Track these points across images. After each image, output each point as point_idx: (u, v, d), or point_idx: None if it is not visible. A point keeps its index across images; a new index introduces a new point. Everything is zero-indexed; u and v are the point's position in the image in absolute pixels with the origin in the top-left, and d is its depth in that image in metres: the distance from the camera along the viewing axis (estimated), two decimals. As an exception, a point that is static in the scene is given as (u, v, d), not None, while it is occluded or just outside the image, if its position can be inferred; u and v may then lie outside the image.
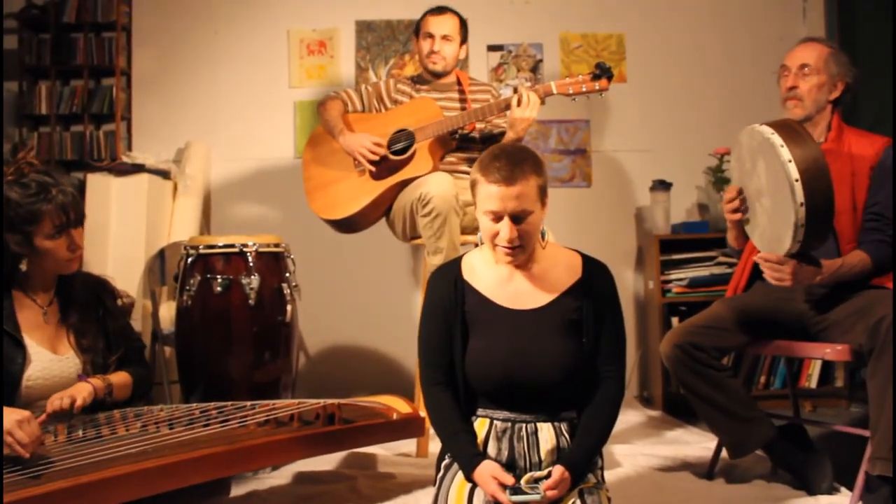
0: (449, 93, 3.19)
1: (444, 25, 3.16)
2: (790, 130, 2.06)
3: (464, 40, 3.24)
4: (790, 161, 1.99)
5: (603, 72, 2.89)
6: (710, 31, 4.20)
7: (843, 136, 2.41)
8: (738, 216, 2.35)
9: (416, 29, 3.26)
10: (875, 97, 4.20)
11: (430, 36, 3.16)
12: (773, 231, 2.13)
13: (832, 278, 2.23)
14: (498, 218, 1.82)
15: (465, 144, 3.13)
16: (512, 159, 1.81)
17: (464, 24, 3.23)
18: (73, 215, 2.08)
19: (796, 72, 2.42)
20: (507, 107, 2.91)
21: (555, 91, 2.93)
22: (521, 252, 1.86)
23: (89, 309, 2.20)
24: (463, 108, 3.13)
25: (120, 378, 2.18)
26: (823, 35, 4.06)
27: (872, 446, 2.13)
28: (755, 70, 4.02)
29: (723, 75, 4.17)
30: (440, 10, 3.20)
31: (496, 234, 1.83)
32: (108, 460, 1.78)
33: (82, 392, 2.04)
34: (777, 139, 2.03)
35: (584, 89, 2.91)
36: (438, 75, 3.19)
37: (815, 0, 4.21)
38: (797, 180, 1.98)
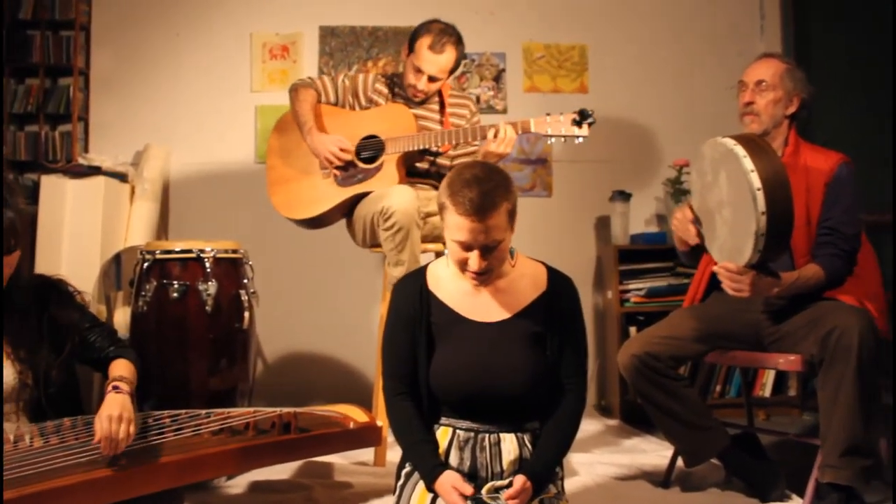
0: (428, 102, 3.09)
1: (438, 67, 2.93)
2: (752, 143, 2.10)
3: (454, 71, 3.05)
4: (753, 171, 2.02)
5: (584, 118, 2.76)
6: (671, 45, 4.26)
7: (800, 151, 2.45)
8: (696, 241, 2.39)
9: (412, 44, 2.96)
10: (830, 113, 4.29)
11: (420, 72, 2.94)
12: (733, 242, 2.16)
13: (789, 290, 2.26)
14: (467, 248, 1.81)
15: (434, 163, 3.07)
16: (482, 187, 1.77)
17: (460, 57, 3.01)
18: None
19: (753, 87, 2.46)
20: (484, 135, 2.84)
21: (533, 129, 2.80)
22: (488, 277, 1.87)
23: (29, 315, 2.10)
24: (440, 121, 3.07)
25: (129, 369, 2.11)
26: (780, 51, 4.13)
27: (822, 455, 2.18)
28: (714, 84, 4.08)
29: (683, 89, 4.23)
30: (441, 46, 2.90)
31: (465, 261, 1.83)
32: (55, 470, 1.74)
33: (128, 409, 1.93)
34: (740, 150, 2.06)
35: (562, 132, 2.81)
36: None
37: (772, 17, 4.29)
38: (759, 189, 2.01)
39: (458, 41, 2.96)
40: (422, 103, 3.06)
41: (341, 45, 4.12)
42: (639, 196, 4.05)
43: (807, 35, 4.33)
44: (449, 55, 2.92)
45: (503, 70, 4.17)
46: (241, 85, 4.12)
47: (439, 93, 3.09)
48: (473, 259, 1.81)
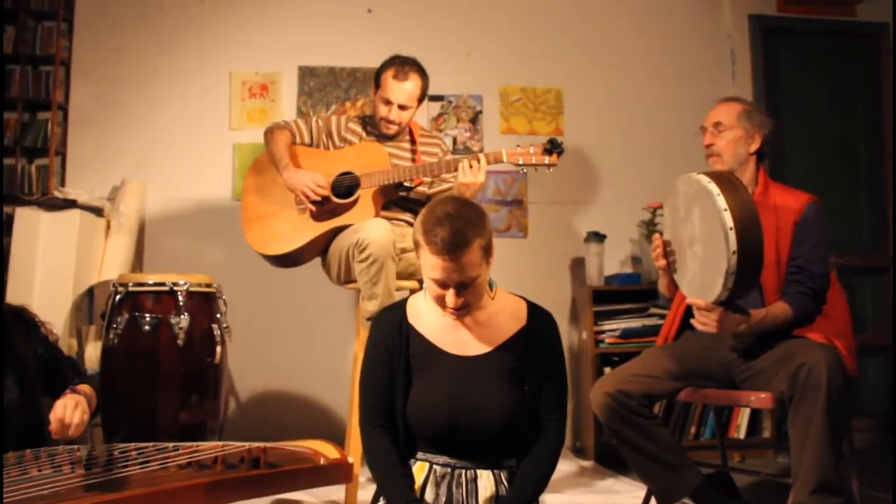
0: (399, 141, 3.14)
1: (404, 94, 3.02)
2: (726, 181, 2.14)
3: (422, 99, 3.14)
4: (726, 210, 2.05)
5: (554, 147, 2.87)
6: (645, 90, 4.34)
7: (769, 190, 2.50)
8: (664, 262, 2.42)
9: (377, 80, 3.07)
10: (800, 157, 4.39)
11: (389, 102, 3.02)
12: (703, 278, 2.19)
13: (757, 327, 2.29)
14: (443, 285, 1.82)
15: (408, 199, 3.10)
16: (454, 225, 1.77)
17: (426, 85, 3.11)
18: None
19: (712, 130, 2.55)
20: (456, 167, 2.90)
21: (505, 160, 2.91)
22: (467, 312, 1.88)
23: None
24: (412, 158, 3.12)
25: (90, 390, 2.13)
26: (751, 95, 4.24)
27: (794, 493, 2.17)
28: (687, 128, 4.12)
29: (656, 132, 4.30)
30: (404, 74, 3.01)
31: (442, 297, 1.84)
32: (16, 503, 1.70)
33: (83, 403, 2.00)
34: (714, 188, 2.10)
35: (533, 161, 2.90)
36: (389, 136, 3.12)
37: (743, 63, 4.40)
38: (731, 228, 2.03)
39: (421, 70, 3.08)
40: (393, 138, 3.12)
41: (320, 85, 4.16)
42: (613, 237, 4.08)
43: (777, 80, 4.45)
44: (414, 82, 3.03)
45: (480, 112, 4.22)
46: (220, 122, 4.13)
47: (410, 132, 3.15)
48: (450, 296, 1.81)
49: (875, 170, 4.52)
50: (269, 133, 3.11)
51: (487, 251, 1.86)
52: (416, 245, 1.85)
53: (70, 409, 1.95)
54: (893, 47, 4.54)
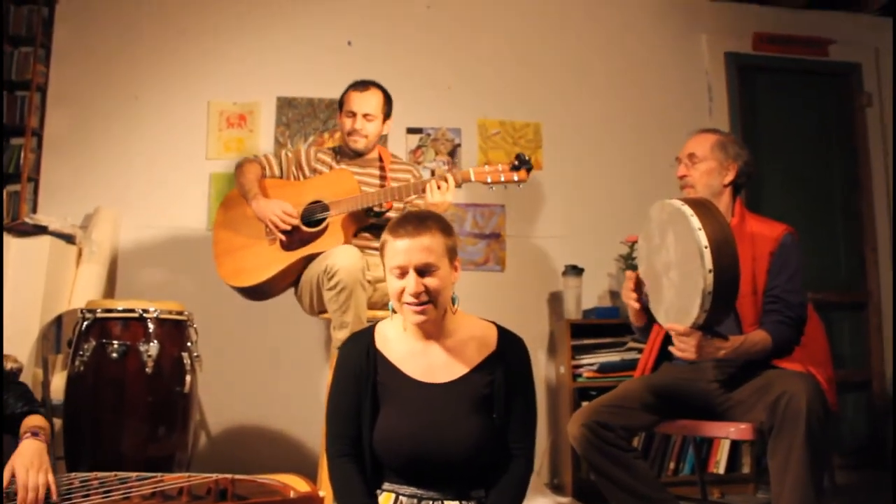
0: (369, 168, 3.17)
1: (366, 103, 3.12)
2: (700, 204, 2.14)
3: (387, 116, 3.21)
4: (700, 229, 2.05)
5: (522, 163, 2.90)
6: (624, 125, 4.37)
7: (746, 221, 2.50)
8: (634, 298, 2.41)
9: (340, 103, 3.21)
10: (776, 192, 4.43)
11: (353, 114, 3.12)
12: (680, 303, 2.17)
13: (735, 353, 2.27)
14: (404, 273, 1.81)
15: (379, 223, 3.10)
16: (418, 217, 1.86)
17: (388, 100, 3.21)
18: None
19: (686, 161, 2.57)
20: (424, 189, 2.90)
21: (473, 178, 2.92)
22: (431, 309, 1.83)
23: None
24: (382, 185, 3.12)
25: (44, 422, 2.05)
26: (728, 129, 4.27)
27: (774, 526, 2.13)
28: (665, 162, 4.16)
29: (634, 167, 4.32)
30: (363, 86, 3.16)
31: (403, 292, 1.81)
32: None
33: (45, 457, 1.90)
34: (688, 209, 2.10)
35: (501, 179, 2.91)
36: (360, 153, 3.18)
37: (719, 98, 4.44)
38: (706, 247, 2.03)
39: (381, 87, 3.20)
40: (362, 160, 3.15)
41: (298, 116, 4.14)
42: (591, 271, 4.07)
43: (753, 116, 4.50)
44: (375, 93, 3.15)
45: (458, 145, 4.22)
46: (197, 152, 4.09)
47: (380, 159, 3.16)
48: (410, 281, 1.79)
49: (851, 205, 4.56)
50: (239, 167, 3.15)
51: (452, 254, 1.87)
52: (383, 247, 1.88)
53: (33, 473, 1.83)
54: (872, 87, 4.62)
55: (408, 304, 1.82)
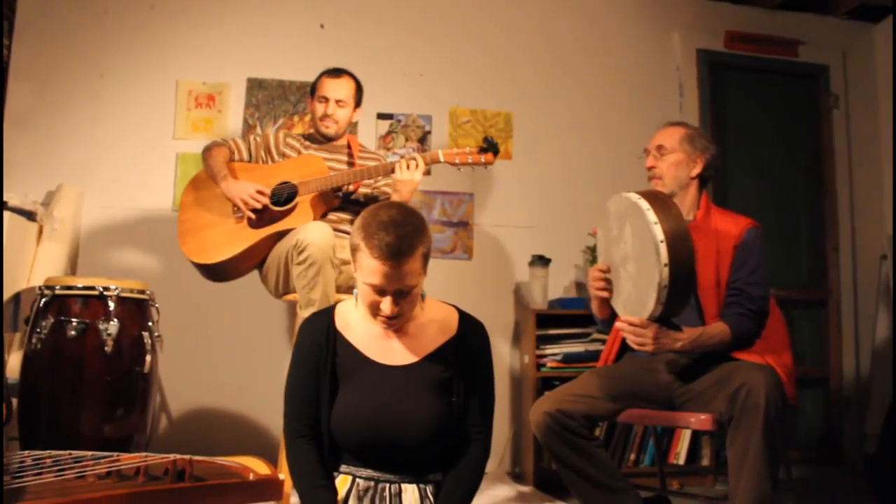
0: (338, 154, 3.18)
1: (339, 90, 3.15)
2: (656, 198, 2.16)
3: (358, 104, 3.25)
4: (656, 223, 2.06)
5: (490, 146, 2.97)
6: (595, 117, 4.39)
7: (711, 214, 2.52)
8: (606, 294, 2.41)
9: (312, 89, 3.23)
10: (742, 189, 4.48)
11: (325, 99, 3.15)
12: (637, 295, 2.18)
13: (692, 345, 2.29)
14: (380, 292, 1.77)
15: (347, 205, 3.11)
16: (399, 231, 1.74)
17: (360, 88, 3.24)
18: None
19: (654, 153, 2.58)
20: (393, 170, 2.93)
21: (441, 159, 2.98)
22: (399, 323, 1.84)
23: None
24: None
25: None
26: (698, 125, 4.30)
27: (731, 514, 2.16)
28: (635, 155, 4.16)
29: (604, 159, 4.34)
30: (337, 73, 3.19)
31: (376, 304, 1.79)
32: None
33: None
34: (644, 203, 2.11)
35: (469, 161, 2.98)
36: (330, 138, 3.18)
37: (690, 96, 4.48)
38: (662, 241, 2.04)
39: (353, 75, 3.24)
40: (332, 145, 3.16)
41: (268, 97, 4.10)
42: (558, 262, 4.08)
43: (723, 112, 4.54)
44: (348, 80, 3.19)
45: (429, 132, 4.21)
46: (164, 131, 4.03)
47: (349, 146, 3.17)
48: (386, 304, 1.77)
49: (815, 204, 4.62)
50: (207, 150, 3.14)
51: (426, 260, 1.83)
52: (354, 249, 1.80)
53: None
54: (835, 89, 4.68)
55: (381, 318, 1.81)
